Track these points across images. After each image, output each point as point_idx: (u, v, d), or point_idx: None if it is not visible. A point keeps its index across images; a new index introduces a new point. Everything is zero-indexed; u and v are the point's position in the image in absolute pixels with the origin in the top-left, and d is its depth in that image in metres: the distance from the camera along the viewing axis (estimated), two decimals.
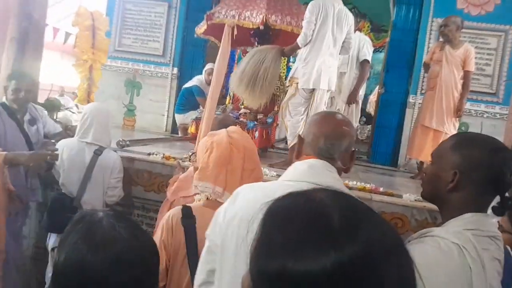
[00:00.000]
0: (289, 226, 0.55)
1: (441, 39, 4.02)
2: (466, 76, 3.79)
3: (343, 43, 3.43)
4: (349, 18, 3.41)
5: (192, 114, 4.91)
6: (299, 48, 3.35)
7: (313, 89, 3.36)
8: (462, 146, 1.10)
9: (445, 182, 1.08)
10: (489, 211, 1.11)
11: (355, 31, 4.19)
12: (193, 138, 3.77)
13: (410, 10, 5.06)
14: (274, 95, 4.06)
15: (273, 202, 0.60)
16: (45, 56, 3.74)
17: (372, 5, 7.01)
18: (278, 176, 2.89)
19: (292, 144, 3.42)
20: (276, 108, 4.09)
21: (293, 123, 3.39)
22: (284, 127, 3.65)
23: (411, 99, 4.94)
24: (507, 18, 4.54)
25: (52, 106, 3.94)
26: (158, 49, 5.65)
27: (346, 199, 0.59)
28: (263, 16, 3.58)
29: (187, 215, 1.60)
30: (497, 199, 1.10)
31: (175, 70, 5.60)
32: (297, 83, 3.34)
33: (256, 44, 4.02)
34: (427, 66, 4.17)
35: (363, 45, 4.29)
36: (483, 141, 1.12)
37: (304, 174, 1.19)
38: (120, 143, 3.24)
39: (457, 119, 3.87)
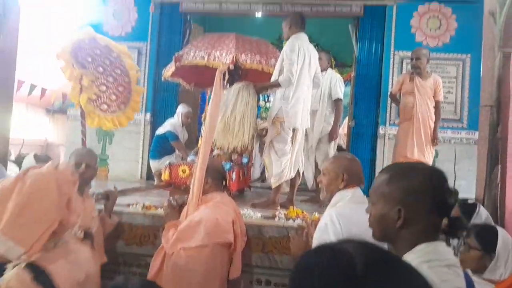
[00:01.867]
0: (318, 281, 0.57)
1: (406, 72, 4.19)
2: (437, 105, 3.96)
3: (313, 78, 3.51)
4: (316, 55, 3.53)
5: (167, 159, 4.84)
6: (278, 87, 3.32)
7: (294, 128, 3.39)
8: (399, 179, 1.09)
9: (392, 220, 1.06)
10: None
11: (327, 68, 4.29)
12: (167, 185, 3.59)
13: (373, 45, 5.31)
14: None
15: (302, 257, 0.64)
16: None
17: (334, 42, 7.33)
18: (263, 217, 2.90)
19: (278, 184, 3.37)
20: (249, 147, 3.97)
21: (281, 163, 3.34)
22: (258, 166, 3.63)
23: (381, 130, 5.09)
24: (462, 48, 4.85)
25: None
26: None
27: (374, 250, 0.60)
28: (233, 56, 3.59)
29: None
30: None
31: (148, 115, 5.57)
32: (281, 122, 3.32)
33: (226, 83, 3.98)
34: (394, 97, 4.32)
35: (335, 83, 4.28)
36: (416, 169, 1.12)
37: (363, 198, 1.90)
38: (99, 196, 2.99)
39: (433, 147, 3.99)
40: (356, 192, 1.94)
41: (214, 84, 2.46)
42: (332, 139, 4.28)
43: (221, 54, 3.66)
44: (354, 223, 1.61)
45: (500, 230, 1.88)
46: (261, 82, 3.65)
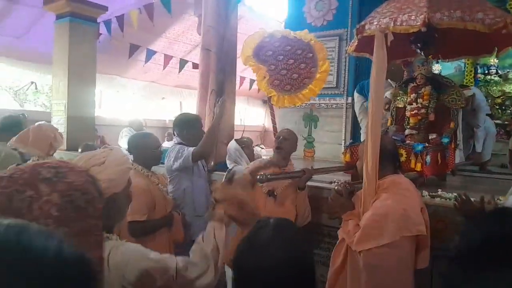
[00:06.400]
0: None
1: None
2: None
3: None
4: None
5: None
6: None
7: None
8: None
9: None
10: None
11: None
12: (349, 168, 3.22)
13: None
14: (448, 109, 3.42)
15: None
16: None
17: None
18: None
19: None
20: (452, 125, 3.40)
21: None
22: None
23: None
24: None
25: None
26: (331, 82, 5.84)
27: None
28: (424, 16, 2.99)
29: None
30: None
31: (349, 99, 5.70)
32: None
33: (419, 51, 3.46)
34: None
35: None
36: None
37: None
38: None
39: None
40: None
41: (374, 50, 2.11)
42: None
43: (410, 17, 3.06)
44: None
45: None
46: (465, 44, 3.17)
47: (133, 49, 7.06)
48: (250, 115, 11.59)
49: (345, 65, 5.78)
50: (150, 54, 7.40)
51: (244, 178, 2.54)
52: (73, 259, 0.49)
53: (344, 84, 5.79)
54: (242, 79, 8.70)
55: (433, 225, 2.12)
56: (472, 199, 2.12)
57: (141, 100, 9.59)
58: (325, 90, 5.77)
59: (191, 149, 2.91)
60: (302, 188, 2.74)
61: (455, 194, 2.23)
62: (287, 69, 3.91)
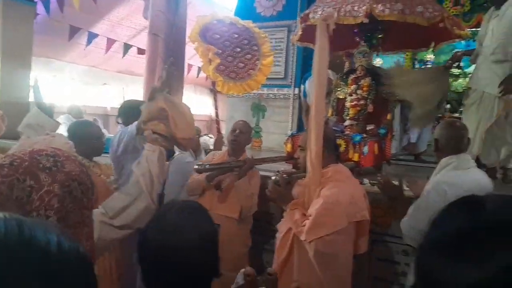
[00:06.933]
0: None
1: None
2: None
3: None
4: None
5: None
6: None
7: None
8: None
9: None
10: None
11: None
12: (290, 158, 3.22)
13: None
14: (386, 101, 3.50)
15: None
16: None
17: None
18: None
19: None
20: (388, 117, 3.50)
21: None
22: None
23: None
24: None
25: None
26: (280, 73, 5.88)
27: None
28: (366, 8, 3.03)
29: None
30: None
31: (296, 90, 5.78)
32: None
33: (363, 43, 3.50)
34: None
35: None
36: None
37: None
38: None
39: None
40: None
41: (317, 38, 2.09)
42: None
43: (353, 8, 3.11)
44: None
45: None
46: (405, 37, 3.28)
47: (74, 31, 6.67)
48: (197, 103, 11.41)
49: (293, 56, 5.86)
50: (92, 37, 7.02)
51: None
52: (73, 251, 0.49)
53: (291, 75, 5.88)
54: (190, 66, 8.53)
55: (371, 211, 2.18)
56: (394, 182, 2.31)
57: (80, 85, 9.06)
58: (273, 81, 5.85)
59: (134, 123, 2.77)
60: (242, 177, 2.69)
61: (378, 177, 2.38)
62: (234, 56, 3.89)
